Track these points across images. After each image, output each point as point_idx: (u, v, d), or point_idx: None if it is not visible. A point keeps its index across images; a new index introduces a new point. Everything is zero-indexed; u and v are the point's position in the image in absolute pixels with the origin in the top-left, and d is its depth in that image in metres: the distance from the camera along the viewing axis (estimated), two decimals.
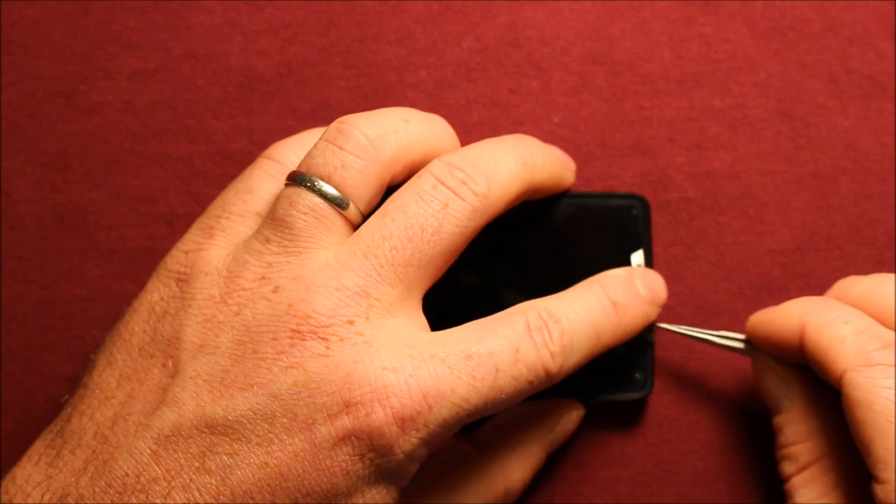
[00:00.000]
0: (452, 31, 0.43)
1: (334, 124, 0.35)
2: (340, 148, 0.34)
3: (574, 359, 0.35)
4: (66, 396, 0.35)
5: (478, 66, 0.43)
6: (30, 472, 0.33)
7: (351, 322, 0.32)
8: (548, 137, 0.42)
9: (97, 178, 0.43)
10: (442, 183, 0.34)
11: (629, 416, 0.41)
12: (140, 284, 0.43)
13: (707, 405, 0.41)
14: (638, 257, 0.40)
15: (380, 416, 0.31)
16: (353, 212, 0.34)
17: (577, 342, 0.34)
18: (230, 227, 0.35)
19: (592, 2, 0.43)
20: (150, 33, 0.44)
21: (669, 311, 0.42)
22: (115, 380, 0.34)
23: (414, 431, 0.31)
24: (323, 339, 0.32)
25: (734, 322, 0.41)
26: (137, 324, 0.34)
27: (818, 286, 0.41)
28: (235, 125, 0.43)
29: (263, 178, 0.36)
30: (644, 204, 0.40)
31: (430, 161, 0.36)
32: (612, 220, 0.40)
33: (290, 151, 0.37)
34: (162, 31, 0.44)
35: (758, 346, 0.37)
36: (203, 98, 0.43)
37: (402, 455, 0.31)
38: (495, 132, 0.43)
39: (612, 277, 0.37)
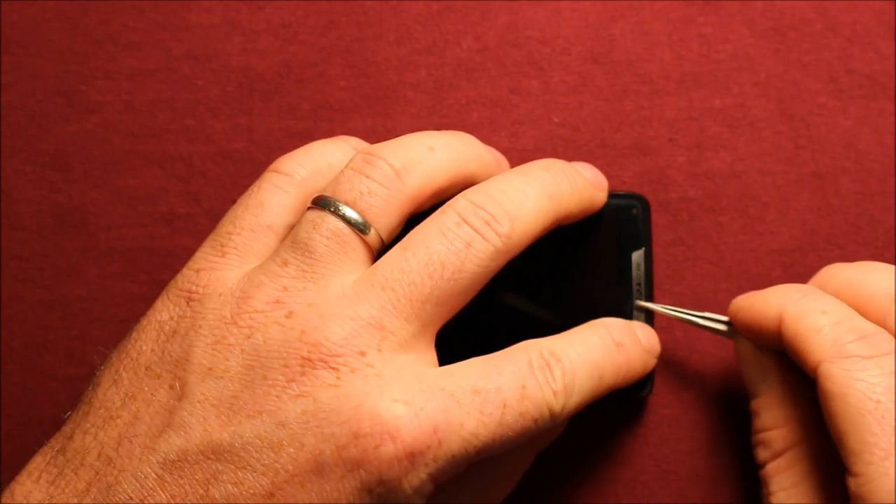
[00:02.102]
0: (452, 31, 0.43)
1: (360, 153, 0.35)
2: (367, 176, 0.34)
3: (576, 398, 0.34)
4: (69, 413, 0.34)
5: (478, 66, 0.43)
6: (30, 489, 0.32)
7: (363, 353, 0.32)
8: (548, 137, 0.42)
9: (97, 178, 0.43)
10: (466, 222, 0.33)
11: (629, 416, 0.41)
12: (140, 284, 0.43)
13: (707, 405, 0.41)
14: (638, 257, 0.40)
15: (389, 449, 0.30)
16: (373, 237, 0.34)
17: (578, 382, 0.34)
18: (242, 244, 0.35)
19: (592, 2, 0.43)
20: (150, 33, 0.44)
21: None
22: (121, 399, 0.33)
23: (423, 466, 0.31)
24: (333, 368, 0.31)
25: None
26: (145, 342, 0.34)
27: None
28: (235, 125, 0.43)
29: (273, 191, 0.36)
30: (644, 204, 0.40)
31: (456, 185, 0.35)
32: (612, 220, 0.40)
33: (297, 164, 0.36)
34: (162, 31, 0.44)
35: (739, 331, 0.37)
36: (203, 98, 0.43)
37: (409, 490, 0.31)
38: (495, 132, 0.43)
39: (614, 321, 0.37)
